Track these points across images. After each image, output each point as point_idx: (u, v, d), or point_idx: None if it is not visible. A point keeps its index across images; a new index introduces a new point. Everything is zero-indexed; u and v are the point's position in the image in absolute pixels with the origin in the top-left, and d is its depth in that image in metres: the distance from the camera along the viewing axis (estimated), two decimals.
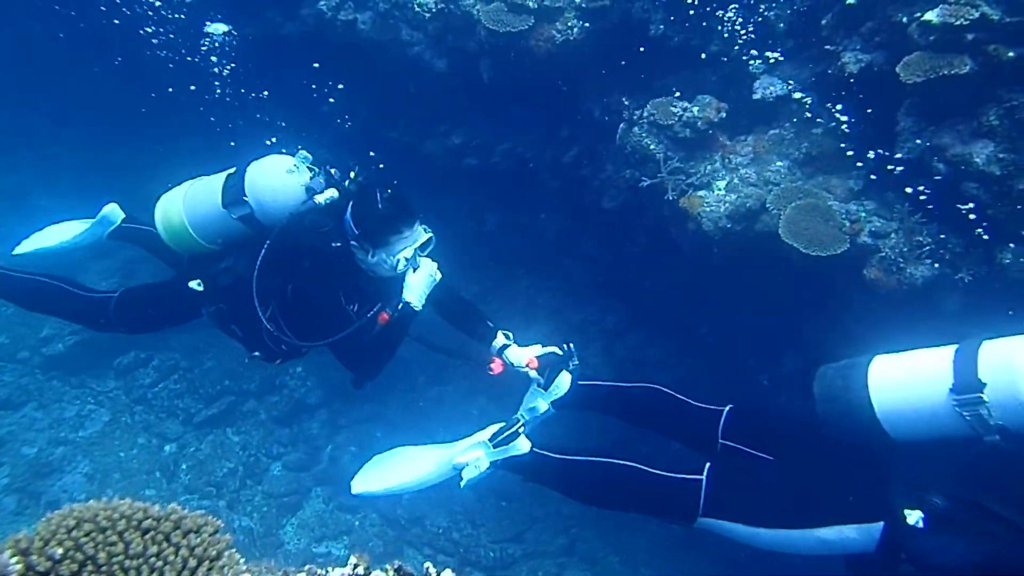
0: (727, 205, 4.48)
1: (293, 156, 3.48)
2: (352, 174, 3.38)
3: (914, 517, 2.65)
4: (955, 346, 2.74)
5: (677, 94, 4.78)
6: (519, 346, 3.58)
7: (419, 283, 3.42)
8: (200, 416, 6.27)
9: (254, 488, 5.93)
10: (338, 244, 3.31)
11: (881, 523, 2.71)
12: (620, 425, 3.61)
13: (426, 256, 3.44)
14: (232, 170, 3.55)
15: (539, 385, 3.47)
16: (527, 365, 3.46)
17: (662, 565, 5.46)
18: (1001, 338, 2.66)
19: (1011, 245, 3.66)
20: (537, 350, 3.53)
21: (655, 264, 5.58)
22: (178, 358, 6.57)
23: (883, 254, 4.01)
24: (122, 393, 6.40)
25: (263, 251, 3.27)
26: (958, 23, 3.69)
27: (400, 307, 3.38)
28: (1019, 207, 3.61)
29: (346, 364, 3.51)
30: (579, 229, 6.29)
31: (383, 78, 6.09)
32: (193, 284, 3.55)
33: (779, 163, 4.55)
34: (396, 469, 3.46)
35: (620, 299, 6.23)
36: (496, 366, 3.52)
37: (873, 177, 4.21)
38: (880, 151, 4.16)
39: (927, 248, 3.92)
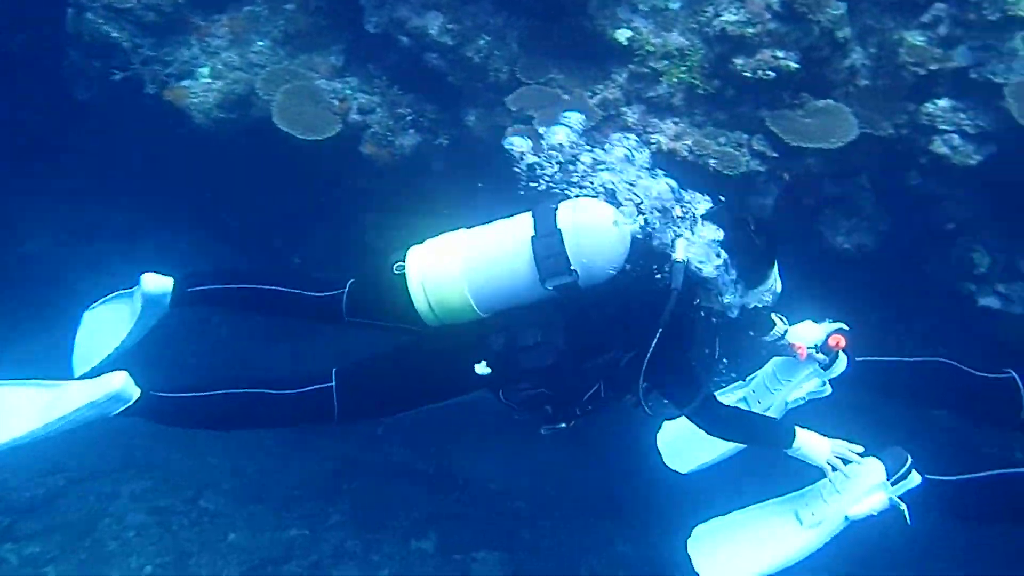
0: (216, 94, 4.25)
1: (605, 200, 2.69)
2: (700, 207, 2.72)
3: None
4: None
5: None
6: (790, 324, 3.21)
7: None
8: None
9: None
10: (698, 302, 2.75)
11: None
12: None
13: None
14: (527, 225, 2.66)
15: (821, 365, 3.16)
16: (834, 346, 3.11)
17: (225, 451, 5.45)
18: None
19: (472, 108, 4.10)
20: (819, 328, 3.18)
21: (160, 161, 5.13)
22: None
23: (373, 129, 4.20)
24: None
25: (657, 337, 2.56)
26: None
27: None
28: (471, 72, 4.02)
29: None
30: (67, 125, 5.44)
31: None
32: (480, 368, 2.71)
33: (260, 43, 4.38)
34: (754, 544, 2.89)
35: (127, 202, 5.61)
36: (802, 352, 3.13)
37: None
38: (354, 26, 4.23)
39: (409, 119, 4.21)
